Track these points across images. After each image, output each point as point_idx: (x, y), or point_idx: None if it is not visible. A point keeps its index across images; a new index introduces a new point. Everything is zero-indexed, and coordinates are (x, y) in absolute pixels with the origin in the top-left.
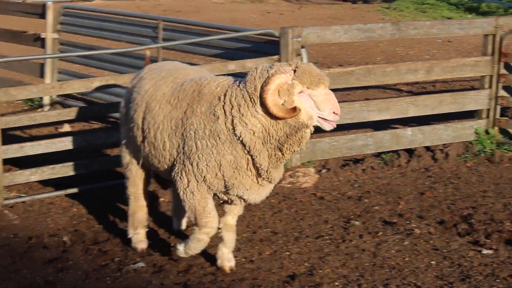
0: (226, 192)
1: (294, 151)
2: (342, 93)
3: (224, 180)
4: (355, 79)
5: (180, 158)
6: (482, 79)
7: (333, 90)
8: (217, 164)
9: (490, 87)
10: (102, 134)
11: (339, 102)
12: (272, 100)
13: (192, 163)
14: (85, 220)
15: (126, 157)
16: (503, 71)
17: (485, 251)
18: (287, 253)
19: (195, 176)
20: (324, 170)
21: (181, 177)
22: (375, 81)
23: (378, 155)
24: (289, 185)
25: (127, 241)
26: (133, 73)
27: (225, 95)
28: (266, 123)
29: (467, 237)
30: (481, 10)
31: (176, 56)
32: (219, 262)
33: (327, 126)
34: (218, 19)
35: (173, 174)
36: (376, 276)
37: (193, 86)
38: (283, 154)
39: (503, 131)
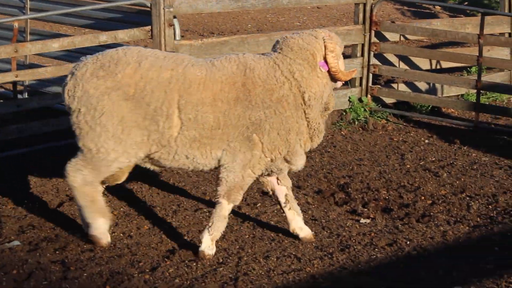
0: (286, 160)
1: (332, 109)
2: None
3: (289, 146)
4: (229, 49)
5: (241, 133)
6: (354, 47)
7: None
8: (287, 131)
9: (362, 55)
10: None
11: None
12: (336, 65)
13: (262, 133)
14: None
15: (112, 152)
16: (374, 39)
17: (362, 220)
18: (166, 227)
19: (262, 146)
20: None
21: (244, 152)
22: (249, 51)
23: None
24: None
25: None
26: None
27: (277, 64)
28: (321, 86)
29: (344, 207)
30: None
31: (45, 26)
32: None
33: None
34: None
35: (224, 153)
36: (256, 249)
37: (231, 63)
38: (325, 116)
39: (376, 99)
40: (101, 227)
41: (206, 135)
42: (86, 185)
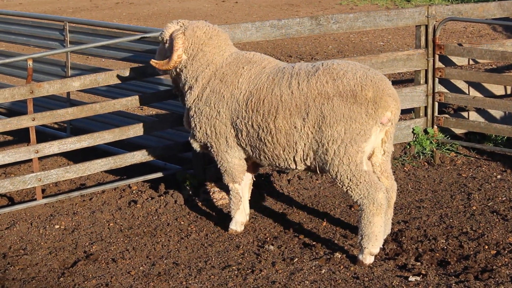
0: None
1: None
2: None
3: None
4: None
5: None
6: (417, 74)
7: None
8: None
9: (426, 82)
10: None
11: None
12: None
13: None
14: None
15: None
16: (439, 64)
17: (411, 278)
18: None
19: None
20: None
21: None
22: None
23: None
24: (203, 202)
25: None
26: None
27: None
28: None
29: (395, 260)
30: None
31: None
32: None
33: None
34: (169, 10)
35: None
36: None
37: None
38: None
39: (443, 130)
40: None
41: None
42: None
